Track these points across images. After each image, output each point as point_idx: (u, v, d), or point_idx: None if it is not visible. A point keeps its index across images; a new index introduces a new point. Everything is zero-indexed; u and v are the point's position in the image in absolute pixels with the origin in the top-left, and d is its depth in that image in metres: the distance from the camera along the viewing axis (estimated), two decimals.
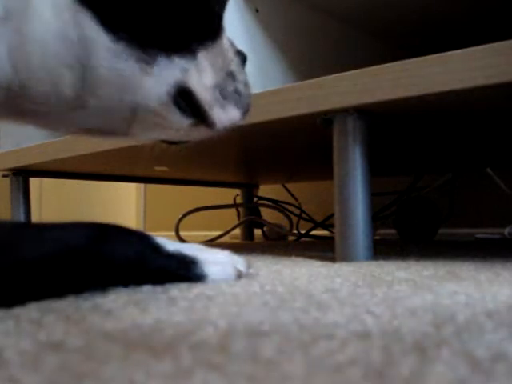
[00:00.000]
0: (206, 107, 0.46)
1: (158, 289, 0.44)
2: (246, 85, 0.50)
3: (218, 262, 0.50)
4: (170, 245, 0.47)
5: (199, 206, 1.59)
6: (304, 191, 1.70)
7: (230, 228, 1.59)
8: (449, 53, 0.60)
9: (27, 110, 0.42)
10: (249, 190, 1.67)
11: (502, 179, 1.36)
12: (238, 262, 0.53)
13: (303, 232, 1.52)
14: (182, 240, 1.53)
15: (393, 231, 1.40)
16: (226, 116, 0.47)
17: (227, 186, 1.67)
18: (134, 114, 0.44)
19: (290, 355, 0.24)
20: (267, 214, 1.65)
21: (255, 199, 1.66)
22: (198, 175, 1.50)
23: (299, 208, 1.57)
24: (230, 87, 0.47)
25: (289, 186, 1.66)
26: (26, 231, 0.40)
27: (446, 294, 0.41)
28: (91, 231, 0.43)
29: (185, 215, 1.58)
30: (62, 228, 0.42)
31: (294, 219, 1.59)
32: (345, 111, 0.70)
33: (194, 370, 0.22)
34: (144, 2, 0.40)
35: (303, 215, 1.56)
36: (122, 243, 0.44)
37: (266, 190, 1.71)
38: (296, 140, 0.94)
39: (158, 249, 0.46)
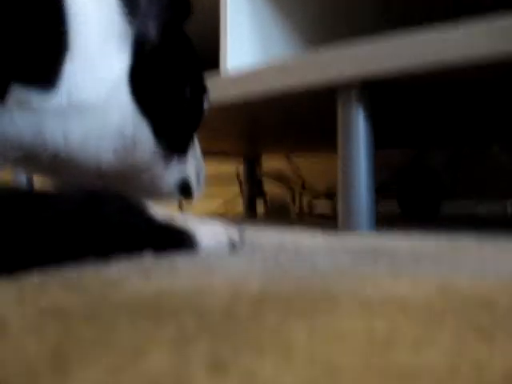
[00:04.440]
0: (194, 189, 0.64)
1: (161, 258, 0.44)
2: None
3: (209, 231, 0.50)
4: (161, 213, 0.48)
5: None
6: (307, 164, 1.70)
7: (232, 201, 1.59)
8: (453, 23, 0.60)
9: (64, 171, 0.54)
10: (251, 162, 1.67)
11: (507, 154, 1.36)
12: (231, 231, 0.53)
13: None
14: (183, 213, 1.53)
15: (395, 205, 1.40)
16: (198, 192, 0.66)
17: (230, 159, 1.67)
18: (146, 191, 0.60)
19: (293, 323, 0.24)
20: (270, 188, 1.65)
21: (258, 172, 1.66)
22: (200, 147, 1.49)
23: (302, 181, 1.57)
24: (199, 171, 0.66)
25: (292, 160, 1.65)
26: (22, 198, 0.40)
27: (448, 265, 0.41)
28: (84, 197, 0.43)
29: None
30: (56, 195, 0.43)
31: (297, 192, 1.59)
32: (349, 83, 0.69)
33: (199, 336, 0.22)
34: (174, 126, 0.58)
35: (306, 188, 1.56)
36: (113, 210, 0.44)
37: (268, 163, 1.71)
38: (300, 112, 0.94)
39: (149, 216, 0.46)
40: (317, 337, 0.22)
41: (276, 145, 1.49)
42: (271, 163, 1.73)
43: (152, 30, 0.54)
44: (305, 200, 1.56)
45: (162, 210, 0.49)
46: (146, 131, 0.54)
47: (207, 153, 1.59)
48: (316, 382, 0.17)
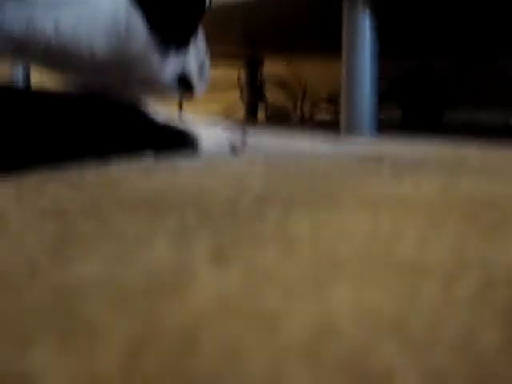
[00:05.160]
0: (195, 84, 0.62)
1: (161, 160, 0.43)
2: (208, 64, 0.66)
3: (211, 133, 0.50)
4: (163, 115, 0.47)
5: None
6: (309, 69, 1.67)
7: (232, 106, 1.57)
8: None
9: (59, 61, 0.52)
10: (253, 67, 1.63)
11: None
12: (233, 134, 0.52)
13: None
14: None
15: (398, 114, 1.38)
16: (200, 88, 0.64)
17: (231, 63, 1.63)
18: (143, 85, 0.59)
19: (295, 218, 0.24)
20: (271, 93, 1.62)
21: (259, 77, 1.63)
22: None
23: (304, 87, 1.54)
24: (204, 67, 0.64)
25: (294, 65, 1.62)
26: (19, 96, 0.40)
27: (450, 170, 0.41)
28: (83, 96, 0.42)
29: None
30: (55, 93, 0.42)
31: (299, 98, 1.56)
32: None
33: (200, 229, 0.22)
34: (171, 17, 0.57)
35: (307, 94, 1.54)
36: (114, 109, 0.44)
37: (270, 69, 1.68)
38: (304, 14, 0.91)
39: (149, 116, 0.46)
40: (319, 230, 0.22)
41: (278, 49, 1.45)
42: (273, 69, 1.69)
43: None
44: (306, 106, 1.54)
45: (163, 111, 0.48)
46: (139, 19, 0.53)
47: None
48: (319, 270, 0.17)
